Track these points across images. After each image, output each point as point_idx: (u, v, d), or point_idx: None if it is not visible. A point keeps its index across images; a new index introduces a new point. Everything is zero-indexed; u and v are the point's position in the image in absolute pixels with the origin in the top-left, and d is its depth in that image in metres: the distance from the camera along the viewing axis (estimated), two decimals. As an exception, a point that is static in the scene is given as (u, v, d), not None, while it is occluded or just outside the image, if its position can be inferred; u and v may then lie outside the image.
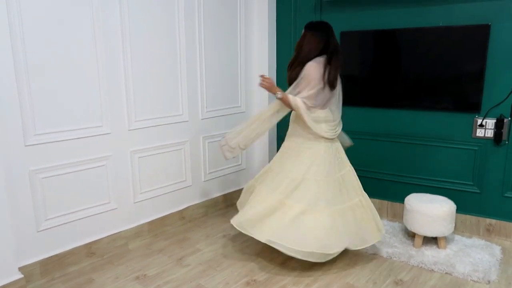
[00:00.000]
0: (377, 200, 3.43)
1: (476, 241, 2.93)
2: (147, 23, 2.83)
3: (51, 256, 2.50)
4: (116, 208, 2.83)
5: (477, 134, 2.96)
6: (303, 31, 2.61)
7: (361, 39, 3.30)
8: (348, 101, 3.39)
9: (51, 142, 2.43)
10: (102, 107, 2.66)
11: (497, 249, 2.79)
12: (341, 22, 3.35)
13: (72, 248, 2.60)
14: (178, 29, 3.04)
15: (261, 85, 2.61)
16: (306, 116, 2.54)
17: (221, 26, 3.37)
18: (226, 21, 3.40)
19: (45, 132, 2.40)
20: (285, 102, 2.55)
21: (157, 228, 3.11)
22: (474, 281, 2.43)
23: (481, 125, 2.93)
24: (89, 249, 2.69)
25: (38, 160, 2.39)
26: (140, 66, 2.83)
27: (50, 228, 2.49)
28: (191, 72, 3.19)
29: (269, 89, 2.61)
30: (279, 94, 2.54)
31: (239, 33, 3.54)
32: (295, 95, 2.56)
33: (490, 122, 2.89)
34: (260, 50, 3.69)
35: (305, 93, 2.53)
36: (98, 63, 2.59)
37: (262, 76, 2.61)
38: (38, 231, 2.44)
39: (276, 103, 2.63)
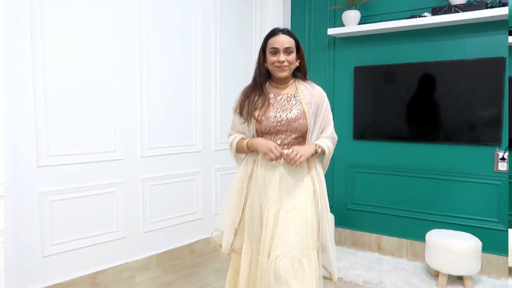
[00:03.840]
0: (395, 239, 3.27)
1: (506, 282, 2.72)
2: (164, 52, 2.90)
3: (55, 285, 2.39)
4: (125, 237, 2.74)
5: (499, 168, 2.85)
6: (297, 44, 1.96)
7: (374, 73, 3.32)
8: (362, 135, 3.38)
9: (64, 164, 2.41)
10: (116, 132, 2.66)
11: (529, 291, 2.59)
12: (355, 57, 3.39)
13: (76, 277, 2.49)
14: (194, 59, 3.11)
15: (299, 162, 1.76)
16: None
17: (237, 58, 3.43)
18: (241, 55, 3.48)
19: (59, 154, 2.39)
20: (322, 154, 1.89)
21: (166, 261, 2.98)
22: (507, 323, 2.23)
23: (502, 159, 2.83)
24: (94, 280, 2.57)
25: (49, 182, 2.36)
26: (155, 94, 2.86)
27: (56, 254, 2.40)
28: (206, 103, 3.21)
29: (308, 155, 1.83)
30: (319, 148, 1.87)
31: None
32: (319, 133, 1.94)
33: (512, 155, 2.80)
34: (274, 85, 3.71)
35: (332, 127, 1.96)
36: (115, 88, 2.63)
37: (287, 157, 1.77)
38: (43, 257, 2.35)
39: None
